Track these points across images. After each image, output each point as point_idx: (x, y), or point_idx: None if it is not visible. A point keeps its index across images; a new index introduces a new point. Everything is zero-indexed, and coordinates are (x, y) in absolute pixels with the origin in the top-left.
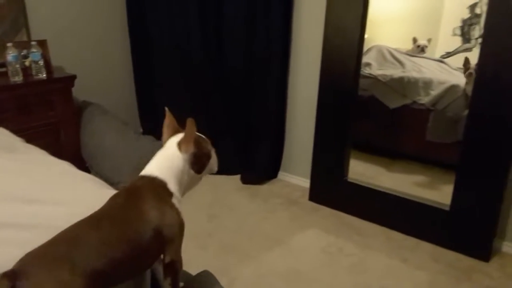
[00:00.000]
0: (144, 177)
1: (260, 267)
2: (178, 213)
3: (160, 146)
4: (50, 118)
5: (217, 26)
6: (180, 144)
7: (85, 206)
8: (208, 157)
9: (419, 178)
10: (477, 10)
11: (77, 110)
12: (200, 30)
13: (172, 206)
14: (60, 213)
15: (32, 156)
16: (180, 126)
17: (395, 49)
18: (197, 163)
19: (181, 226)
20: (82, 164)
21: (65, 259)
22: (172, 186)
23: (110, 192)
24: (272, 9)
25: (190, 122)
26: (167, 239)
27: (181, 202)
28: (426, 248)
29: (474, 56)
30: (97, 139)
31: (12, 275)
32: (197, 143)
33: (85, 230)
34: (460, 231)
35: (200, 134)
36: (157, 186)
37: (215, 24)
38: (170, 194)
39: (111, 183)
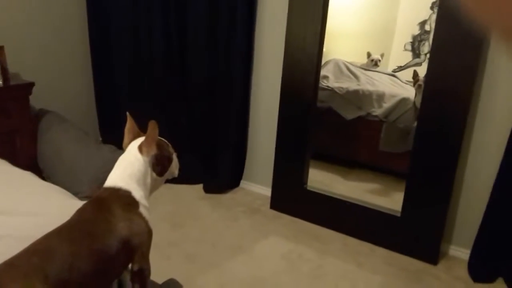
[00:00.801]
0: (108, 188)
1: (224, 275)
2: (145, 221)
3: (121, 155)
4: (6, 126)
5: (181, 36)
6: (141, 147)
7: (52, 216)
8: (170, 159)
9: (373, 186)
10: (427, 27)
11: (34, 119)
12: (163, 39)
13: (139, 215)
14: (28, 224)
15: None
16: (141, 131)
17: (351, 63)
18: (159, 165)
19: (149, 234)
20: (38, 174)
21: (37, 270)
22: (137, 194)
23: (76, 202)
24: (235, 24)
25: (152, 125)
26: (136, 248)
27: (149, 210)
28: (380, 252)
29: (423, 70)
30: (55, 148)
31: None
32: (159, 145)
33: (56, 242)
34: (411, 236)
35: (161, 138)
36: (122, 197)
37: (178, 35)
38: (136, 203)
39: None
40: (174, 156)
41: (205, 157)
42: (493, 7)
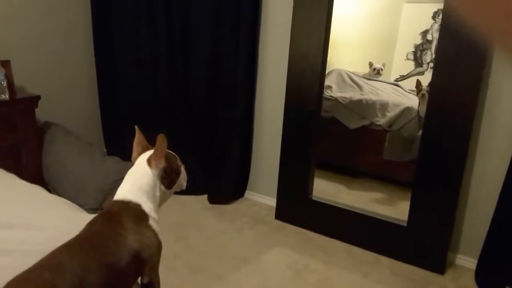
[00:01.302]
0: (118, 201)
1: (229, 286)
2: (155, 234)
3: (126, 166)
4: (12, 139)
5: (184, 48)
6: (150, 160)
7: (61, 230)
8: (178, 172)
9: (378, 195)
10: (429, 37)
11: (39, 131)
12: (166, 54)
13: (149, 227)
14: (37, 238)
15: (2, 181)
16: (150, 144)
17: (353, 73)
18: (167, 178)
19: (158, 246)
20: (43, 186)
21: (49, 284)
22: (147, 207)
23: (84, 215)
24: (239, 36)
25: (161, 138)
26: (146, 261)
27: (158, 223)
28: (385, 262)
29: (426, 80)
30: (60, 160)
31: None
32: (167, 158)
33: (67, 256)
34: (417, 245)
35: (170, 151)
36: (132, 209)
37: (182, 46)
38: (145, 216)
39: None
40: (182, 169)
41: (210, 168)
42: (496, 22)
